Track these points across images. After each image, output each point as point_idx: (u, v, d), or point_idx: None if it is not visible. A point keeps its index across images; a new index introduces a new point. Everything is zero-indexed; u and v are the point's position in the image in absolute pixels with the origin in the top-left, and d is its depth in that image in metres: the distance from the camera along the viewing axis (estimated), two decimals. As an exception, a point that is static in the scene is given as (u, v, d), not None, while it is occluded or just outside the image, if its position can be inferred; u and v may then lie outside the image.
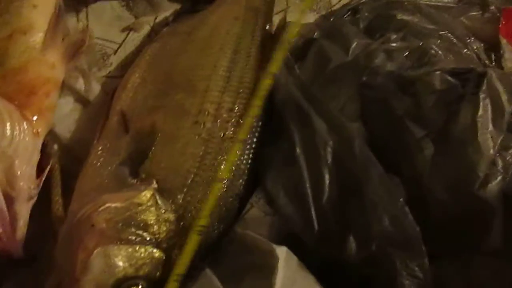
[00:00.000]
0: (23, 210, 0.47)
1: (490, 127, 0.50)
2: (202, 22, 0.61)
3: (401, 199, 0.47)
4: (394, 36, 0.62)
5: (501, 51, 0.71)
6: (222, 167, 0.49)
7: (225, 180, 0.49)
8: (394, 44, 0.60)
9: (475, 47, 0.68)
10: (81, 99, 0.60)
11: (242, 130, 0.51)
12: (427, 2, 0.73)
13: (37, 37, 0.54)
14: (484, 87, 0.51)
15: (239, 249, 0.51)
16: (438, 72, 0.53)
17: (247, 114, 0.52)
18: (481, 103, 0.50)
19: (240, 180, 0.52)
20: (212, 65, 0.56)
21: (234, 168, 0.51)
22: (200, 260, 0.49)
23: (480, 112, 0.50)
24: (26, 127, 0.49)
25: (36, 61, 0.52)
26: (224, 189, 0.50)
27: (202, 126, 0.52)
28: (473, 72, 0.52)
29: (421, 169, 0.52)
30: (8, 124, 0.47)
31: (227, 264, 0.50)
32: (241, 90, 0.56)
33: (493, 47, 0.72)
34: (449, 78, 0.52)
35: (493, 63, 0.69)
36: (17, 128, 0.48)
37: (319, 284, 0.47)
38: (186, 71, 0.56)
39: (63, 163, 0.56)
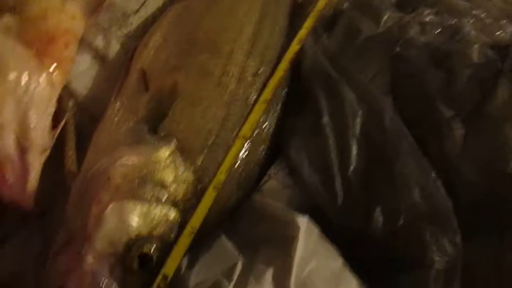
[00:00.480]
0: (36, 162, 0.45)
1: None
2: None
3: (433, 173, 0.44)
4: (428, 11, 0.60)
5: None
6: (245, 126, 0.47)
7: (247, 138, 0.47)
8: (427, 19, 0.58)
9: (509, 30, 0.65)
10: (99, 57, 0.58)
11: (267, 90, 0.49)
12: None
13: (58, -14, 0.52)
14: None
15: (257, 218, 0.48)
16: (476, 45, 0.50)
17: (273, 76, 0.50)
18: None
19: (262, 147, 0.50)
20: (237, 28, 0.54)
21: (256, 131, 0.48)
22: (216, 227, 0.47)
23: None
24: (43, 76, 0.47)
25: (55, 10, 0.50)
26: (246, 154, 0.48)
27: (225, 88, 0.50)
28: (506, 49, 0.50)
29: (450, 149, 0.49)
30: (25, 71, 0.45)
31: (243, 232, 0.48)
32: (266, 56, 0.53)
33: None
34: (489, 52, 0.50)
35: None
36: (34, 76, 0.46)
37: (341, 256, 0.45)
38: (211, 32, 0.53)
39: (78, 121, 0.54)
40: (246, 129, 0.47)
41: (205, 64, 0.51)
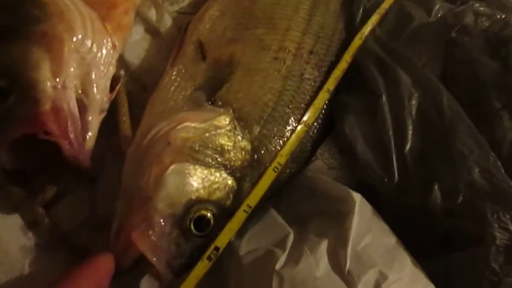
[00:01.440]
0: (94, 122, 0.45)
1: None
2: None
3: (492, 154, 0.44)
4: (478, 4, 0.60)
5: None
6: (308, 113, 0.48)
7: (310, 125, 0.48)
8: (480, 9, 0.58)
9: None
10: (152, 30, 0.59)
11: (330, 80, 0.50)
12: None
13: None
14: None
15: (307, 193, 0.48)
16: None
17: (337, 67, 0.51)
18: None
19: (315, 124, 0.50)
20: (294, 5, 0.54)
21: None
22: (266, 200, 0.47)
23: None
24: (106, 38, 0.47)
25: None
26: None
27: (282, 63, 0.50)
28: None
29: (499, 141, 0.49)
30: (90, 31, 0.45)
31: (293, 207, 0.48)
32: (321, 35, 0.54)
33: None
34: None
35: None
36: (97, 37, 0.46)
37: (394, 234, 0.44)
38: (268, 8, 0.54)
39: (129, 90, 0.54)
40: (309, 116, 0.48)
41: (262, 39, 0.51)
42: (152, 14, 0.59)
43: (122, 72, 0.55)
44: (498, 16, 0.59)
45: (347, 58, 0.53)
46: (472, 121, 0.50)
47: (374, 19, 0.56)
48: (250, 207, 0.44)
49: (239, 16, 0.53)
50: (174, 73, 0.50)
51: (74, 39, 0.44)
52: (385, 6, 0.58)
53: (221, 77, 0.48)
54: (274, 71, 0.49)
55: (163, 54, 0.56)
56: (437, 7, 0.58)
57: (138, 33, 0.58)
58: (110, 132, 0.50)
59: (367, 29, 0.55)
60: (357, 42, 0.54)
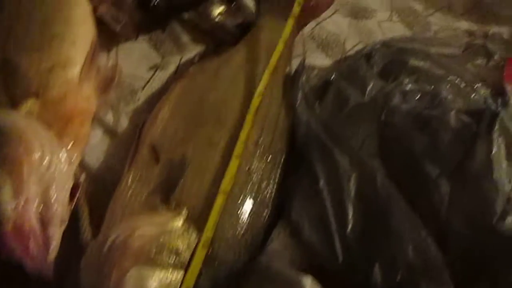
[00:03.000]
0: (56, 234, 0.48)
1: (505, 164, 0.53)
2: (227, 62, 0.65)
3: (424, 231, 0.48)
4: (407, 80, 0.66)
5: (507, 97, 0.75)
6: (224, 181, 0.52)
7: (227, 193, 0.51)
8: (408, 87, 0.64)
9: (482, 92, 0.72)
10: (110, 131, 0.63)
11: (237, 146, 0.54)
12: (435, 51, 0.78)
13: (75, 71, 0.57)
14: (497, 126, 0.54)
15: (263, 280, 0.52)
16: (453, 112, 0.56)
17: (242, 130, 0.55)
18: (494, 142, 0.53)
19: (265, 211, 0.54)
20: (238, 102, 0.59)
21: (259, 196, 0.53)
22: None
23: (494, 150, 0.53)
24: (62, 154, 0.51)
25: (73, 93, 0.55)
26: (250, 218, 0.52)
27: (228, 158, 0.54)
28: (487, 112, 0.56)
29: (439, 205, 0.54)
30: (47, 151, 0.49)
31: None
32: (265, 125, 0.58)
33: (499, 93, 0.75)
34: (464, 117, 0.55)
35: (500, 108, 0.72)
36: (55, 154, 0.50)
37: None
38: (214, 105, 0.58)
39: (92, 190, 0.57)
40: (225, 183, 0.51)
41: (210, 136, 0.55)
42: (109, 116, 0.64)
43: (83, 176, 0.58)
44: (427, 89, 0.66)
45: (249, 119, 0.56)
46: (409, 193, 0.55)
47: (265, 79, 0.61)
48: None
49: (188, 115, 0.58)
50: (130, 178, 0.54)
51: (33, 159, 0.48)
52: (272, 64, 0.63)
53: (174, 178, 0.52)
54: (222, 168, 0.53)
55: (121, 154, 0.60)
56: (370, 86, 0.64)
57: (96, 136, 0.62)
58: (74, 234, 0.53)
59: (261, 88, 0.59)
60: (256, 100, 0.58)
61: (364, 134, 0.60)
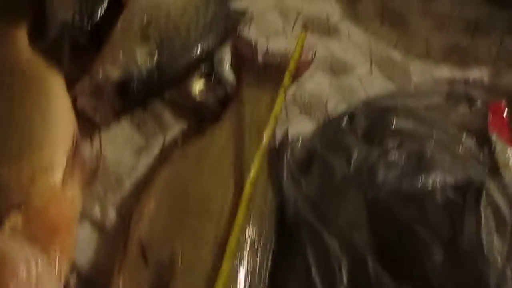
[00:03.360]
0: None
1: (496, 238, 0.53)
2: (210, 144, 0.64)
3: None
4: (391, 144, 0.66)
5: (493, 146, 0.75)
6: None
7: None
8: (392, 154, 0.64)
9: (468, 145, 0.72)
10: (98, 226, 0.62)
11: (229, 243, 0.53)
12: (417, 104, 0.78)
13: (57, 174, 0.56)
14: (484, 199, 0.54)
15: None
16: (438, 188, 0.56)
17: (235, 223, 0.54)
18: (483, 216, 0.53)
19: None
20: (225, 190, 0.59)
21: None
22: None
23: (483, 224, 0.53)
24: (51, 268, 0.50)
25: (57, 199, 0.55)
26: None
27: (218, 254, 0.54)
28: (472, 185, 0.56)
29: (431, 274, 0.54)
30: (33, 269, 0.49)
31: None
32: (253, 211, 0.58)
33: (484, 141, 0.75)
34: (449, 194, 0.56)
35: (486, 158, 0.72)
36: (43, 272, 0.49)
37: None
38: (199, 198, 0.58)
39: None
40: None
41: (198, 231, 0.55)
42: (96, 210, 0.63)
43: (72, 278, 0.57)
44: (412, 150, 0.66)
45: (242, 209, 0.55)
46: (400, 267, 0.54)
47: (256, 167, 0.59)
48: None
49: (174, 210, 0.57)
50: (121, 281, 0.53)
51: (20, 282, 0.48)
52: (261, 152, 0.61)
53: (165, 280, 0.52)
54: (212, 264, 0.53)
55: (111, 251, 0.60)
56: (355, 156, 0.64)
57: (84, 232, 0.61)
58: None
59: (253, 177, 0.58)
60: (247, 189, 0.57)
61: (352, 209, 0.59)
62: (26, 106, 0.61)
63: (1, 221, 0.51)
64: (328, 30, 0.85)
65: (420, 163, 0.63)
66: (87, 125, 0.66)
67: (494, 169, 0.69)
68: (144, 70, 0.69)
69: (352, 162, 0.64)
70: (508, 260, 0.53)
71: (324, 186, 0.62)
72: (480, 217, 0.53)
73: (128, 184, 0.66)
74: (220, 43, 0.75)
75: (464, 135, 0.73)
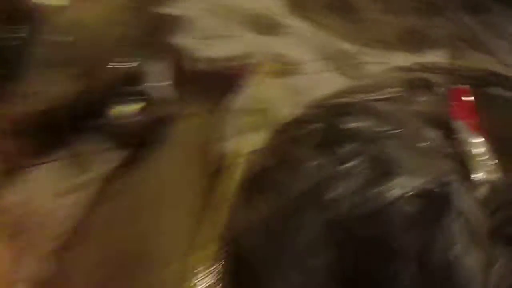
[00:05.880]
0: None
1: (470, 250, 0.48)
2: (150, 173, 0.58)
3: None
4: (349, 150, 0.60)
5: (458, 134, 0.70)
6: None
7: None
8: (350, 162, 0.58)
9: (432, 137, 0.67)
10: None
11: None
12: (376, 97, 0.72)
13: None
14: (453, 207, 0.49)
15: None
16: (403, 197, 0.51)
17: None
18: (454, 228, 0.48)
19: None
20: (166, 224, 0.53)
21: None
22: None
23: (456, 237, 0.48)
24: None
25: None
26: None
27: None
28: (439, 192, 0.50)
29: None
30: None
31: None
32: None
33: (448, 130, 0.71)
34: (416, 204, 0.50)
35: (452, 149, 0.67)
36: None
37: None
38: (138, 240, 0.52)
39: None
40: None
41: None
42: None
43: None
44: (373, 153, 0.60)
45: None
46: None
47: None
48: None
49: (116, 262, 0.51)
50: None
51: None
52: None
53: None
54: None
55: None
56: (308, 170, 0.58)
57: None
58: None
59: None
60: None
61: (310, 232, 0.54)
62: None
63: None
64: (272, 27, 0.79)
65: (381, 169, 0.58)
66: (7, 169, 0.59)
67: (461, 162, 0.64)
68: (70, 97, 0.62)
69: (306, 176, 0.58)
70: (487, 269, 0.48)
71: (278, 204, 0.56)
72: (450, 230, 0.48)
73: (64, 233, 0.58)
74: (153, 57, 0.68)
75: (427, 128, 0.68)
